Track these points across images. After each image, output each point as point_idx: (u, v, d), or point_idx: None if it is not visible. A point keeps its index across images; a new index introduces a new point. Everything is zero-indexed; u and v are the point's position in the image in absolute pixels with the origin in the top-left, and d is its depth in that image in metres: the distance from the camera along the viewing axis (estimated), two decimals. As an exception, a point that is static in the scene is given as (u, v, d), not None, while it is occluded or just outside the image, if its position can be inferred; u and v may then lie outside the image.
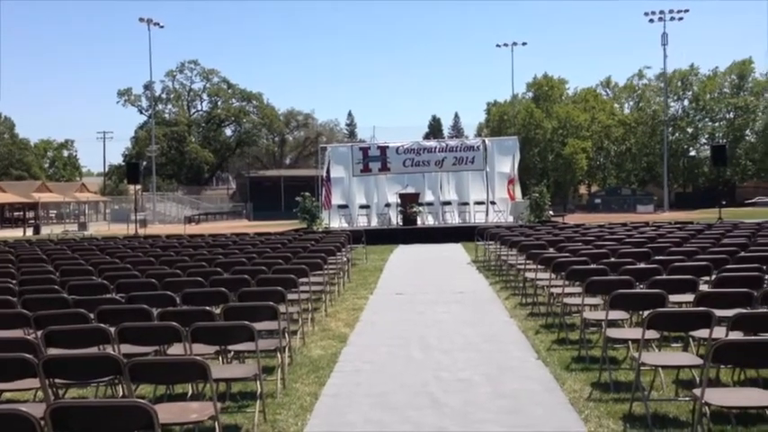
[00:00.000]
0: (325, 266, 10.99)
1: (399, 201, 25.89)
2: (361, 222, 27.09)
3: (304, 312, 8.73)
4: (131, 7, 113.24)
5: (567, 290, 8.65)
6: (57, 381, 5.10)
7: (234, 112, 75.07)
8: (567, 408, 5.60)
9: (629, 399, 5.49)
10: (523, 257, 11.73)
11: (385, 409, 5.67)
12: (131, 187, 52.90)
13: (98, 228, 44.73)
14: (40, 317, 6.17)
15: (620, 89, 70.03)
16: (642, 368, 5.44)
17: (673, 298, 6.97)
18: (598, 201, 59.94)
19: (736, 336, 5.10)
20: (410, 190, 26.43)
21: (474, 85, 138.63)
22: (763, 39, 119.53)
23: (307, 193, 26.10)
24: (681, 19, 53.92)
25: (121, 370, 4.33)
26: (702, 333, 5.64)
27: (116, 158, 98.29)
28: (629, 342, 6.63)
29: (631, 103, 69.38)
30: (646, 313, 5.51)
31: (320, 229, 23.30)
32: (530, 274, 10.60)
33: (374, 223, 27.18)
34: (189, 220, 49.74)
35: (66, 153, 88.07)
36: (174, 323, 5.39)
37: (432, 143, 29.88)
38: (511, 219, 26.42)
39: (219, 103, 76.30)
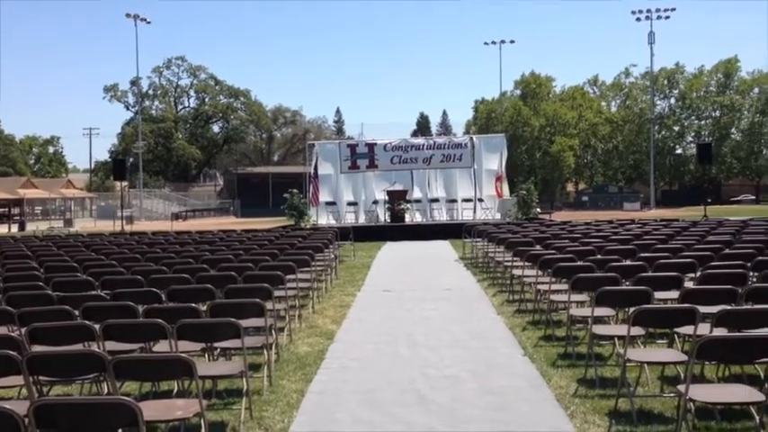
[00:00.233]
0: (313, 263, 10.97)
1: (387, 198, 25.91)
2: (349, 219, 27.07)
3: (291, 309, 8.70)
4: (118, 3, 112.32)
5: (554, 287, 8.67)
6: (41, 378, 5.05)
7: (221, 109, 74.79)
8: (554, 404, 5.62)
9: (615, 395, 5.51)
10: (510, 254, 11.76)
11: (372, 406, 5.66)
12: (118, 184, 52.56)
13: (84, 224, 44.48)
14: (24, 314, 6.11)
15: (607, 87, 70.42)
16: (628, 364, 5.47)
17: (658, 295, 7.01)
18: (585, 198, 60.35)
19: (720, 332, 5.13)
20: (398, 187, 26.44)
21: (462, 83, 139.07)
22: (763, 38, 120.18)
23: (294, 190, 26.07)
24: (668, 18, 54.28)
25: (106, 367, 4.30)
26: (687, 329, 5.69)
27: (102, 155, 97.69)
28: (615, 338, 6.67)
29: (618, 101, 69.79)
30: (631, 310, 5.54)
31: (308, 226, 23.25)
32: (517, 271, 10.63)
33: (362, 220, 27.16)
34: (176, 216, 49.43)
35: (51, 149, 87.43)
36: (160, 320, 5.36)
37: (420, 140, 29.88)
38: (498, 216, 26.50)
39: (207, 99, 75.98)
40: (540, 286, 9.09)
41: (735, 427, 4.91)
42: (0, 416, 3.26)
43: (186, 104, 77.98)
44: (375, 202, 27.42)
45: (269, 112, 79.27)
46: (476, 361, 6.98)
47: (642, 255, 9.57)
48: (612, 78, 69.91)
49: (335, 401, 5.84)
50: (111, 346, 5.43)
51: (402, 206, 25.34)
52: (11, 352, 4.44)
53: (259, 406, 5.71)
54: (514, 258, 11.39)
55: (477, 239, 16.19)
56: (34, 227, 38.98)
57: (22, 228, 40.67)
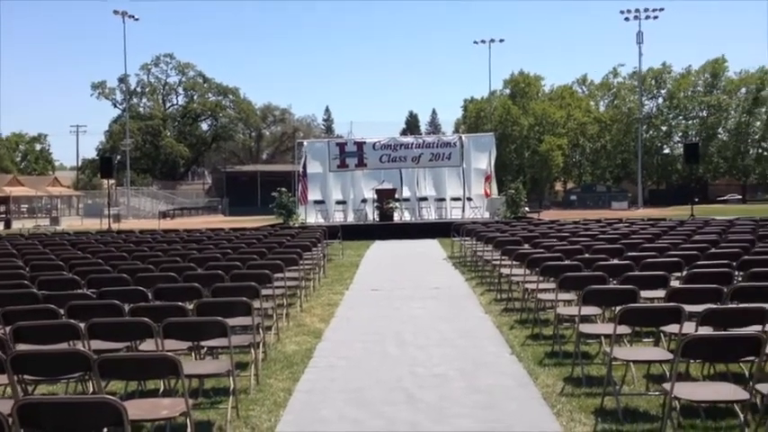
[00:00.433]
0: (301, 262, 10.95)
1: (376, 196, 25.90)
2: (338, 218, 27.05)
3: (279, 308, 8.68)
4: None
5: (542, 285, 8.71)
6: (25, 377, 5.02)
7: (210, 107, 74.44)
8: (540, 402, 5.64)
9: (601, 393, 5.54)
10: (499, 253, 11.79)
11: (360, 404, 5.66)
12: (105, 182, 52.24)
13: (71, 222, 44.21)
14: (9, 312, 6.06)
15: (595, 87, 70.68)
16: (614, 363, 5.50)
17: (644, 294, 7.05)
18: (574, 197, 60.59)
19: (705, 331, 5.17)
20: (387, 186, 26.43)
21: (451, 82, 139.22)
22: (750, 38, 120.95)
23: (283, 189, 26.01)
24: (656, 18, 54.57)
25: (91, 366, 4.27)
26: (673, 328, 5.72)
27: (90, 152, 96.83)
28: (602, 337, 6.70)
29: (607, 100, 70.07)
30: (618, 309, 5.56)
31: (296, 225, 23.20)
32: (505, 270, 10.65)
33: (350, 219, 27.15)
34: (164, 215, 49.27)
35: (38, 147, 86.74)
36: (146, 319, 5.33)
37: (408, 139, 29.90)
38: (487, 215, 26.55)
39: (195, 97, 75.57)
40: (527, 285, 9.11)
41: (719, 425, 4.94)
42: (-17, 415, 3.24)
43: (174, 102, 77.59)
44: (364, 201, 27.42)
45: (258, 111, 79.02)
46: (464, 359, 7.00)
47: (629, 254, 9.62)
48: (601, 78, 70.32)
49: (323, 400, 5.83)
50: (97, 345, 5.39)
51: (391, 205, 25.33)
52: (-5, 351, 4.40)
53: (246, 405, 5.69)
54: (503, 257, 11.42)
55: (466, 238, 16.22)
56: (20, 225, 38.71)
57: (7, 226, 40.39)
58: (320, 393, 6.02)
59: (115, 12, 53.65)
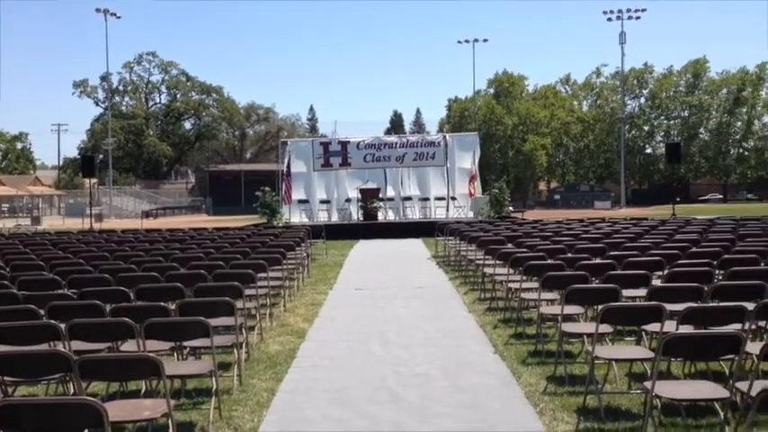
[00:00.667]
0: (285, 261, 10.91)
1: (360, 196, 25.90)
2: (322, 217, 27.02)
3: (262, 308, 8.65)
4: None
5: (525, 285, 8.73)
6: (5, 378, 4.97)
7: (193, 106, 73.96)
8: (523, 401, 5.66)
9: (584, 392, 5.57)
10: (482, 253, 11.81)
11: (343, 404, 5.65)
12: (87, 181, 51.82)
13: (52, 222, 43.78)
14: (-12, 313, 5.99)
15: (578, 87, 71.11)
16: (596, 362, 5.52)
17: (626, 292, 7.10)
18: (557, 197, 60.99)
19: (686, 329, 5.21)
20: (371, 185, 26.44)
21: (436, 81, 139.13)
22: (730, 38, 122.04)
23: (267, 188, 25.92)
24: (638, 18, 55.05)
25: (71, 367, 4.23)
26: (654, 327, 5.76)
27: (71, 151, 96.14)
28: (584, 336, 6.73)
29: (590, 100, 70.53)
30: (600, 308, 5.60)
31: (280, 224, 23.14)
32: (488, 270, 10.69)
33: (335, 218, 27.13)
34: (146, 214, 48.95)
35: (19, 145, 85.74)
36: (127, 319, 5.29)
37: (393, 138, 29.93)
38: (471, 214, 26.62)
39: (178, 95, 75.04)
40: (510, 284, 9.14)
41: (700, 423, 4.98)
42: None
43: (157, 101, 76.99)
44: (348, 201, 27.42)
45: (242, 110, 78.65)
46: (447, 359, 7.01)
47: (611, 253, 9.67)
48: (584, 78, 70.76)
49: (306, 400, 5.82)
50: (78, 345, 5.34)
51: (375, 204, 25.35)
52: (-27, 352, 4.35)
53: (229, 405, 5.66)
54: (486, 257, 11.44)
55: (450, 238, 16.26)
56: (1, 224, 38.25)
57: (-12, 225, 39.91)
58: (304, 393, 6.01)
59: (97, 10, 53.25)
